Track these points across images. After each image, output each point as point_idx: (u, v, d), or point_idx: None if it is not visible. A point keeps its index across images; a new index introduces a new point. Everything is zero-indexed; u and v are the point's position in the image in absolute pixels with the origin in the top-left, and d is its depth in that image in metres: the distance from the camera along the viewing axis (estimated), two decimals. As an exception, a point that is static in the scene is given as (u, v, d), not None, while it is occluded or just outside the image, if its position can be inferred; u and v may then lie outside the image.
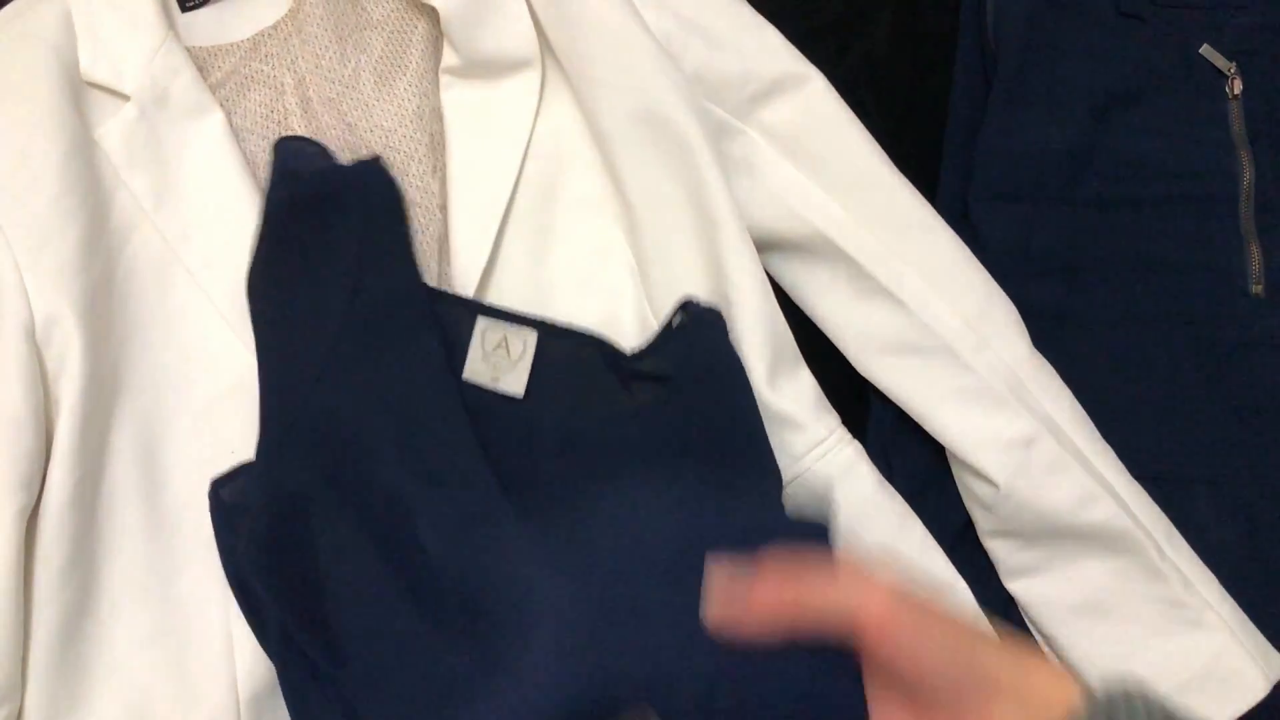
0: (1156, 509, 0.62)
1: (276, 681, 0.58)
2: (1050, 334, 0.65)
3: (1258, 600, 0.60)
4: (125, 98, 0.63)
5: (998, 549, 0.63)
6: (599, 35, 0.67)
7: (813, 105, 0.68)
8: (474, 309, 0.60)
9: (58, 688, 0.58)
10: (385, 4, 0.69)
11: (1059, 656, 0.63)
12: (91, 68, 0.63)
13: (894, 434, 0.66)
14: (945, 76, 0.74)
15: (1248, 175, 0.68)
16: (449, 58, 0.67)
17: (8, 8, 0.65)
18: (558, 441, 0.59)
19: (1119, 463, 0.62)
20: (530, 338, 0.60)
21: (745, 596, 0.43)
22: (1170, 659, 0.61)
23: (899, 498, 0.64)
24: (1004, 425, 0.62)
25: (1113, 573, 0.61)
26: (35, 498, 0.58)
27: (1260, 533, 0.63)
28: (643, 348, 0.60)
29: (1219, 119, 0.69)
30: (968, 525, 0.64)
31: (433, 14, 0.67)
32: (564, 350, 0.61)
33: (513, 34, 0.67)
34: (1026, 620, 0.64)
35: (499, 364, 0.60)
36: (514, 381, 0.60)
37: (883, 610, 0.40)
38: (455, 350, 0.60)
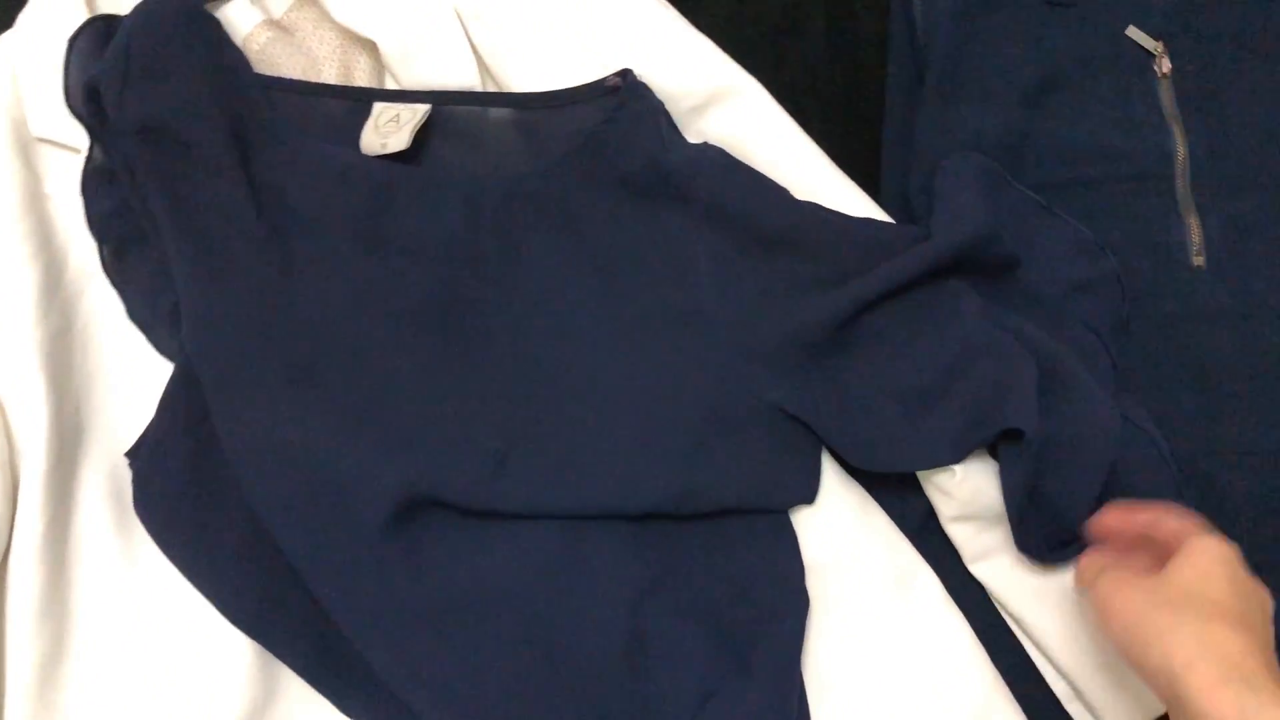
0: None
1: (256, 712, 0.59)
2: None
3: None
4: (76, 150, 0.65)
5: (959, 533, 0.63)
6: (534, 62, 0.69)
7: (751, 114, 0.69)
8: (374, 95, 0.67)
9: (36, 732, 0.58)
10: (327, 42, 0.70)
11: (1029, 637, 0.63)
12: (38, 125, 0.65)
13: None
14: (882, 78, 0.75)
15: (1181, 151, 0.69)
16: (390, 85, 0.69)
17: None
18: (463, 204, 0.65)
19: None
20: (421, 109, 0.66)
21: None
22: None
23: (860, 488, 0.65)
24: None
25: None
26: (4, 545, 0.59)
27: (1211, 501, 0.63)
28: (570, 91, 0.67)
29: (1150, 98, 0.70)
30: (930, 513, 0.65)
31: (373, 46, 0.69)
32: (470, 114, 0.67)
33: (452, 63, 0.68)
34: (995, 603, 0.64)
35: (388, 132, 0.65)
36: (399, 140, 0.65)
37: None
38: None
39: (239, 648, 0.60)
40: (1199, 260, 0.68)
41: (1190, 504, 0.57)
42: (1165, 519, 0.54)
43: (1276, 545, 0.63)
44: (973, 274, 0.63)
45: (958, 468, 0.61)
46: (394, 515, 0.59)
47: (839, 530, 0.64)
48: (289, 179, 0.64)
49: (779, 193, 0.65)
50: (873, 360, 0.62)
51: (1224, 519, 0.60)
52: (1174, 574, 0.50)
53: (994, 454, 0.62)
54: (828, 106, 0.75)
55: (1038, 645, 0.63)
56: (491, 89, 0.70)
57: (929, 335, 0.62)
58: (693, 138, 0.68)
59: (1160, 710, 0.61)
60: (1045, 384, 0.60)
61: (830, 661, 0.61)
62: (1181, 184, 0.69)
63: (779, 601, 0.62)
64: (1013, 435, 0.60)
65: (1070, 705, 0.63)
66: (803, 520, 0.64)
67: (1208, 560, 0.50)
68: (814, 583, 0.63)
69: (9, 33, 0.67)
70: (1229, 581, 0.49)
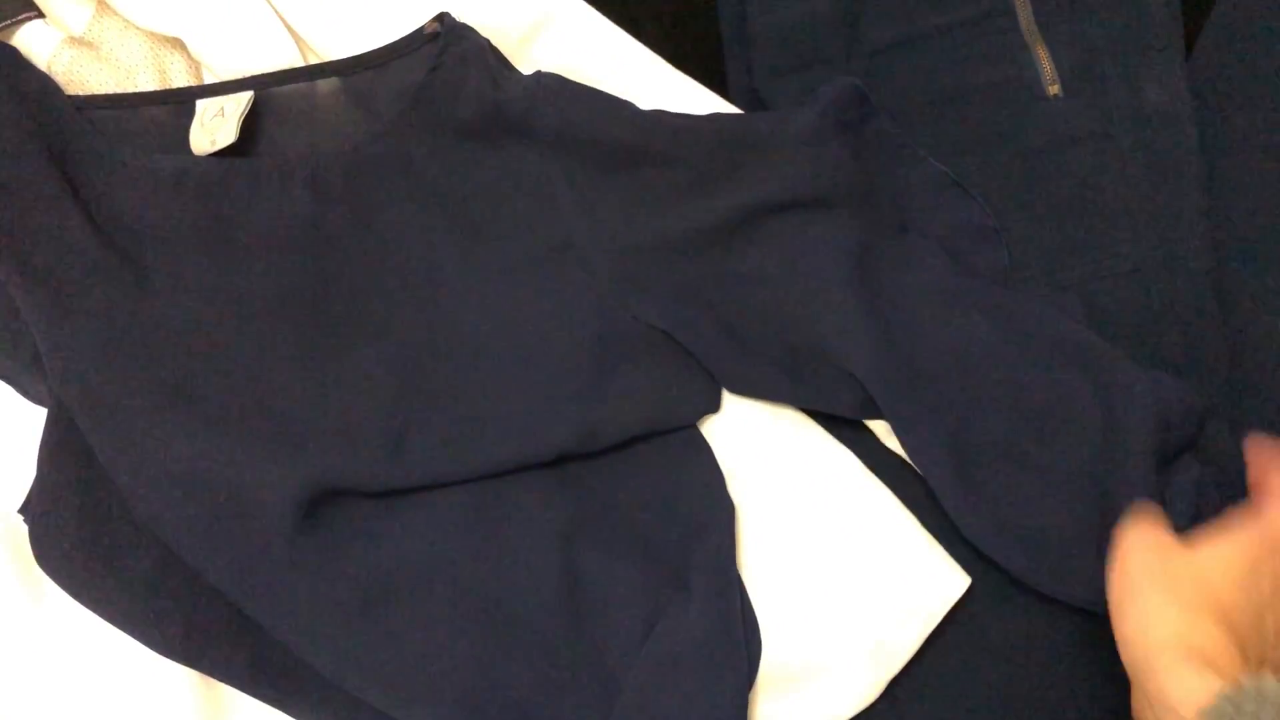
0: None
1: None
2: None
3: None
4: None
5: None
6: (350, 24, 0.66)
7: (579, 33, 0.67)
8: (194, 94, 0.64)
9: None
10: (136, 49, 0.67)
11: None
12: None
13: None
14: (712, -28, 0.73)
15: (1019, -20, 0.68)
16: (210, 79, 0.67)
17: None
18: (307, 185, 0.62)
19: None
20: (245, 96, 0.63)
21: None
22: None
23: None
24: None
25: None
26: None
27: (1103, 328, 0.63)
28: (391, 47, 0.65)
29: (976, -66, 0.69)
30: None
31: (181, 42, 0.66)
32: (296, 92, 0.65)
33: (266, 43, 0.66)
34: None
35: (215, 127, 0.63)
36: (226, 135, 0.62)
37: None
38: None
39: (177, 676, 0.59)
40: (1054, 89, 0.67)
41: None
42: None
43: (1156, 356, 0.63)
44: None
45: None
46: (301, 514, 0.58)
47: (751, 431, 0.63)
48: (122, 198, 0.62)
49: (620, 107, 0.63)
50: (750, 300, 0.62)
51: (1108, 336, 0.60)
52: (1197, 559, 0.50)
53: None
54: (661, 11, 0.73)
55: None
56: (315, 61, 0.68)
57: (806, 277, 0.61)
58: (528, 69, 0.66)
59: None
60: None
61: (768, 560, 0.61)
62: (1024, 16, 0.68)
63: (705, 514, 0.61)
64: None
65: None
66: (714, 428, 0.63)
67: (1235, 555, 0.50)
68: (736, 487, 0.62)
69: None
70: (1242, 585, 0.49)
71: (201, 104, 0.64)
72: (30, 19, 0.66)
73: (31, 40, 0.66)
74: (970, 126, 0.67)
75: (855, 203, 0.61)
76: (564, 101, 0.62)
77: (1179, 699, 0.45)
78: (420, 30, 0.65)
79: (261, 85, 0.65)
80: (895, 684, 0.59)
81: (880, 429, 0.63)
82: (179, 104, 0.65)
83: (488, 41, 0.65)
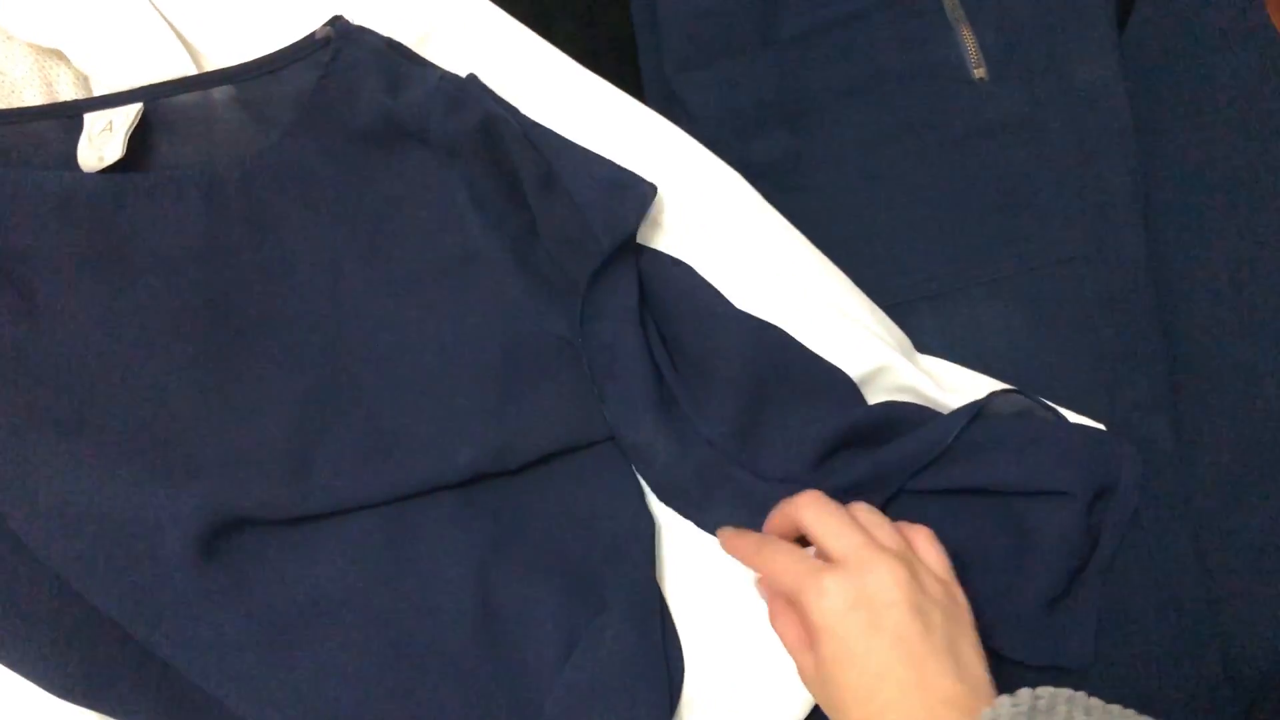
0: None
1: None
2: (788, 182, 0.63)
3: (1038, 387, 0.59)
4: None
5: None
6: (243, 29, 0.64)
7: (479, 33, 0.64)
8: (81, 107, 0.61)
9: None
10: (20, 62, 0.64)
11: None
12: None
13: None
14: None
15: (940, -39, 0.65)
16: (102, 92, 0.64)
17: None
18: (203, 199, 0.60)
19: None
20: (133, 109, 0.60)
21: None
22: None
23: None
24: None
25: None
26: None
27: (1039, 322, 0.61)
28: (283, 53, 0.62)
29: (896, -87, 0.66)
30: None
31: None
32: (189, 102, 0.62)
33: (154, 52, 0.63)
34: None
35: (103, 142, 0.59)
36: (113, 150, 0.60)
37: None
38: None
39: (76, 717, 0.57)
40: (980, 73, 0.64)
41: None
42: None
43: (1093, 349, 0.61)
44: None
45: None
46: (202, 545, 0.55)
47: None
48: (7, 220, 0.59)
49: (513, 123, 0.59)
50: (651, 314, 0.60)
51: (1044, 329, 0.58)
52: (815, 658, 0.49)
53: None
54: (573, 5, 0.70)
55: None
56: (209, 70, 0.65)
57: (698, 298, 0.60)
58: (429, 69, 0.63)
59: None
60: None
61: (692, 578, 0.59)
62: (948, -3, 0.65)
63: (624, 531, 0.59)
64: None
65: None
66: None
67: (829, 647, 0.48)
68: (657, 502, 0.60)
69: None
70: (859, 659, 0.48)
71: (89, 118, 0.61)
72: (-92, 34, 0.63)
73: (-93, 57, 0.63)
74: (894, 114, 0.64)
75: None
76: (455, 114, 0.59)
77: None
78: (313, 35, 0.62)
79: (152, 96, 0.62)
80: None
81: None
82: (67, 118, 0.62)
83: (387, 42, 0.62)
